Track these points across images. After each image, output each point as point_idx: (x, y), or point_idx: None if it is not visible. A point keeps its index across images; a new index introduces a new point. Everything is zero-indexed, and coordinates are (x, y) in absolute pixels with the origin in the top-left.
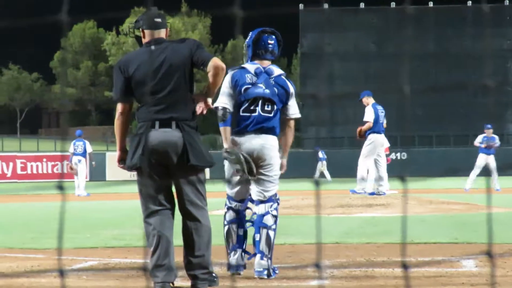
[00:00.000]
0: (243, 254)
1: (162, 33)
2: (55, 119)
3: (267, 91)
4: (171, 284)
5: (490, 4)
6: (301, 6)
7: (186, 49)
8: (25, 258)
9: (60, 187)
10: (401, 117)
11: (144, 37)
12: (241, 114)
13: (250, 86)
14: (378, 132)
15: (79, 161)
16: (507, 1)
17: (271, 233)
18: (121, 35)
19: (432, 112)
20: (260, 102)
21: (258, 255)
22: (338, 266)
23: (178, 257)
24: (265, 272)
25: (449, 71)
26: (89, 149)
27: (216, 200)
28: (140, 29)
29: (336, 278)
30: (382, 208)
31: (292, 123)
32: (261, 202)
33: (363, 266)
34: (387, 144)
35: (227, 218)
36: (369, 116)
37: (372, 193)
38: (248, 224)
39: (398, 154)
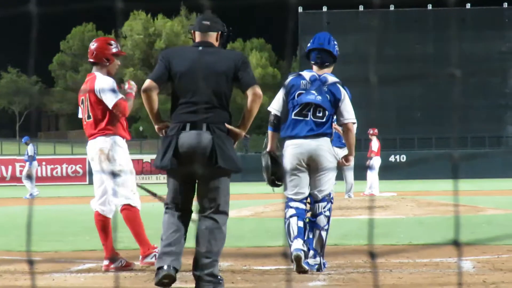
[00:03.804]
0: (304, 243)
1: (211, 37)
2: (54, 122)
3: (319, 97)
4: (175, 272)
5: (489, 7)
6: (300, 9)
7: (231, 60)
8: (23, 260)
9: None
10: (401, 119)
11: (194, 38)
12: (292, 117)
13: (303, 91)
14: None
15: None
16: (506, 3)
17: (323, 233)
18: (120, 38)
19: (431, 114)
20: (312, 108)
21: (312, 252)
22: (336, 268)
23: (187, 259)
24: (316, 266)
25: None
26: None
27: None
28: (192, 31)
29: (334, 280)
30: (381, 210)
31: (350, 126)
32: (316, 202)
33: (361, 268)
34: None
35: (287, 215)
36: None
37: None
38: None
39: (398, 157)
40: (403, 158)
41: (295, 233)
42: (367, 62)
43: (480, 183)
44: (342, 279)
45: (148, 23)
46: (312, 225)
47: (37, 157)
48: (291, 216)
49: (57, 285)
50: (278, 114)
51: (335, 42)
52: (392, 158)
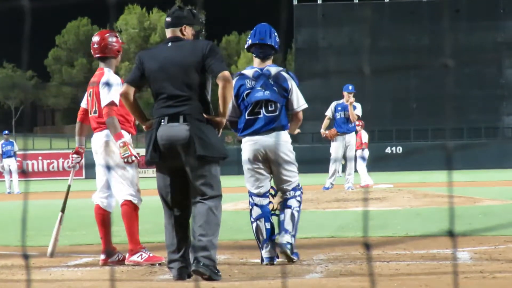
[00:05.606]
0: (273, 245)
1: (176, 31)
2: (50, 117)
3: (267, 92)
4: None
5: None
6: (295, 1)
7: (199, 50)
8: (20, 255)
9: None
10: (397, 111)
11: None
12: (247, 117)
13: (250, 90)
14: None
15: None
16: None
17: (295, 213)
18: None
19: (427, 106)
20: (263, 104)
21: (283, 232)
22: (333, 260)
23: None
24: (289, 246)
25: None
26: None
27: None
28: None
29: (331, 272)
30: (377, 202)
31: (299, 115)
32: (286, 192)
33: (358, 260)
34: (353, 141)
35: (254, 215)
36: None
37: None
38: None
39: (394, 148)
40: (399, 149)
41: (264, 236)
42: (362, 54)
43: (477, 174)
44: (339, 271)
45: (143, 17)
46: (283, 207)
47: (33, 151)
48: (258, 219)
49: (54, 280)
50: (231, 118)
51: (276, 34)
52: (388, 150)
